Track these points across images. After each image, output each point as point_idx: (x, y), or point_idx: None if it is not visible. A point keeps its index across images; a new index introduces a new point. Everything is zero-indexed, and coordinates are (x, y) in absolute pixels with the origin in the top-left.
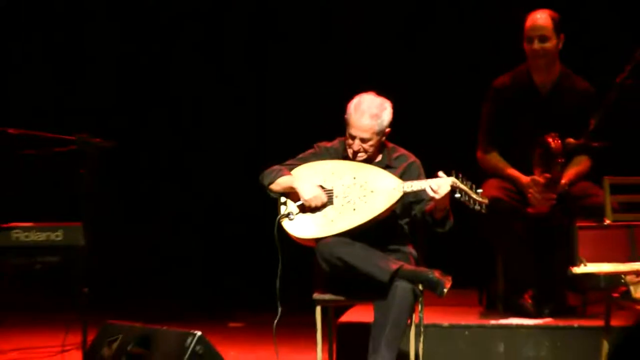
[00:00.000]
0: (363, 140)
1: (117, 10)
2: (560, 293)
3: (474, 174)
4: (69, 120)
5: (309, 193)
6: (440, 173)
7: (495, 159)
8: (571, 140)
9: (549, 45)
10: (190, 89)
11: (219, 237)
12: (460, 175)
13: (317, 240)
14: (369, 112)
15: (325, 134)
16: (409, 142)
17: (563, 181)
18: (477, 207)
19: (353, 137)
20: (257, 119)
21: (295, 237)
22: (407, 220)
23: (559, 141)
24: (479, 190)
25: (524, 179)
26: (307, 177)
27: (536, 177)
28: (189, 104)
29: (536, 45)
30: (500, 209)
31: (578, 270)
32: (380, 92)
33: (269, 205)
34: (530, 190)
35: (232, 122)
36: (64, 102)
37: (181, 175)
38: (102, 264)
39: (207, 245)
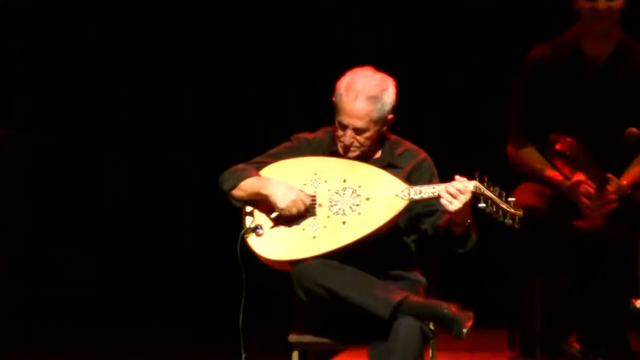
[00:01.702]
0: (357, 131)
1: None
2: (618, 334)
3: (505, 177)
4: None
5: (284, 200)
6: (459, 177)
7: (531, 156)
8: (634, 129)
9: (617, 3)
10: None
11: (167, 258)
12: (486, 179)
13: (294, 262)
14: (365, 92)
15: (307, 123)
16: (417, 136)
17: (624, 182)
18: (508, 220)
19: (344, 127)
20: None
21: (264, 258)
22: (414, 237)
23: (567, 141)
24: (511, 199)
25: (564, 182)
26: (281, 179)
27: (583, 180)
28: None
29: (602, 3)
30: (539, 223)
31: None
32: (381, 69)
33: (232, 216)
34: (583, 197)
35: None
36: None
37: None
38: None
39: (152, 268)
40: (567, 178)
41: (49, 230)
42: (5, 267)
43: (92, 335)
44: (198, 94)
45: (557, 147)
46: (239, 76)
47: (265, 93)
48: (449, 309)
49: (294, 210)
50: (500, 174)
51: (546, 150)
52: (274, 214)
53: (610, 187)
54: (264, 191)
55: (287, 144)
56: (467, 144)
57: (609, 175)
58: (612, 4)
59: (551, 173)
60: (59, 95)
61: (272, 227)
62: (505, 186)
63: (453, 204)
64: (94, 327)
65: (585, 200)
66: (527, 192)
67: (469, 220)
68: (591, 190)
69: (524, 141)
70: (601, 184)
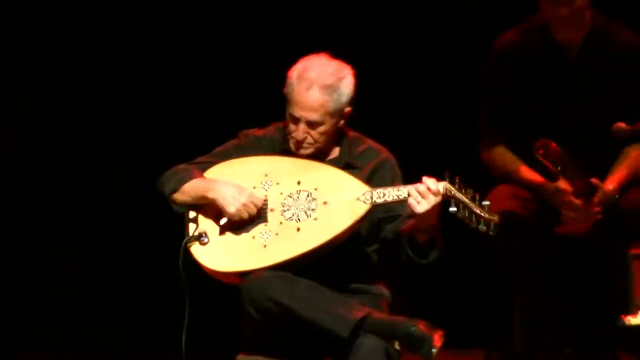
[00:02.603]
0: (311, 125)
1: None
2: (608, 353)
3: (479, 179)
4: None
5: (234, 203)
6: (426, 178)
7: (504, 155)
8: (622, 124)
9: (578, 3)
10: None
11: (167, 258)
12: (458, 180)
13: (243, 274)
14: (320, 81)
15: (256, 119)
16: (379, 133)
17: (610, 186)
18: (482, 227)
19: (296, 120)
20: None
21: (210, 269)
22: (375, 246)
23: (553, 148)
24: (485, 203)
25: (546, 184)
26: (228, 181)
27: (568, 191)
28: None
29: (562, 8)
30: (517, 229)
31: (634, 320)
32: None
33: (173, 222)
34: (566, 210)
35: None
36: None
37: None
38: None
39: (152, 268)
40: (551, 179)
41: (49, 230)
42: (6, 267)
43: (92, 335)
44: (198, 94)
45: (541, 152)
46: (238, 76)
47: (266, 93)
48: (417, 326)
49: (245, 215)
50: (473, 175)
51: (527, 154)
52: (222, 220)
53: (597, 198)
54: (210, 194)
55: (234, 142)
56: (437, 141)
57: (595, 181)
58: None
59: (528, 174)
60: (59, 95)
61: (219, 234)
62: (479, 188)
63: (421, 204)
64: (94, 327)
65: (569, 213)
66: (503, 195)
67: (435, 227)
68: (576, 202)
69: (495, 139)
70: (587, 196)
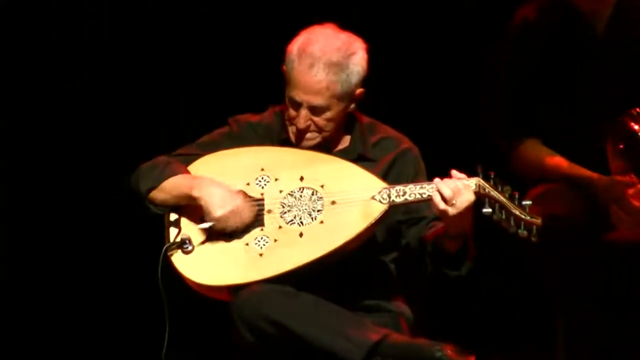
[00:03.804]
0: (314, 110)
1: None
2: None
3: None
4: None
5: (222, 206)
6: (456, 172)
7: (537, 149)
8: None
9: None
10: None
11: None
12: (493, 176)
13: (234, 289)
14: (325, 58)
15: (250, 102)
16: (398, 120)
17: None
18: (522, 231)
19: (297, 105)
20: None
21: (194, 282)
22: (394, 255)
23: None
24: (526, 202)
25: (599, 178)
26: (216, 177)
27: (619, 178)
28: None
29: None
30: (564, 235)
31: None
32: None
33: (151, 226)
34: (624, 195)
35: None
36: None
37: None
38: None
39: (151, 268)
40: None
41: (49, 230)
42: (5, 267)
43: (92, 335)
44: (197, 93)
45: (621, 147)
46: (238, 77)
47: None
48: (443, 350)
49: (232, 223)
50: (509, 170)
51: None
52: (207, 224)
53: None
54: (195, 193)
55: (223, 130)
56: (464, 131)
57: None
58: None
59: (574, 167)
60: (59, 95)
61: (205, 241)
62: (518, 186)
63: (450, 205)
64: (93, 327)
65: (623, 215)
66: (546, 194)
67: (468, 232)
68: (636, 204)
69: (523, 131)
70: None
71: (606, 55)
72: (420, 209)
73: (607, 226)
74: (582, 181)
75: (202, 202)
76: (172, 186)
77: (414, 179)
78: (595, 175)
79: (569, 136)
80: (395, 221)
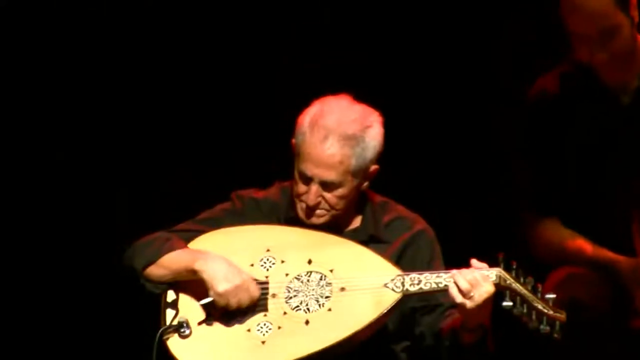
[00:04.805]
0: (326, 186)
1: None
2: None
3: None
4: None
5: (226, 281)
6: (476, 262)
7: (556, 229)
8: None
9: (619, 42)
10: None
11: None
12: (515, 266)
13: None
14: (340, 131)
15: (254, 178)
16: (409, 198)
17: None
18: (544, 327)
19: (307, 180)
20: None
21: None
22: (405, 344)
23: None
24: (550, 296)
25: (624, 261)
26: (219, 254)
27: None
28: None
29: (599, 54)
30: (590, 329)
31: None
32: (362, 99)
33: (145, 304)
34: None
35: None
36: None
37: None
38: None
39: None
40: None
41: (49, 230)
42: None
43: (91, 335)
44: (198, 97)
45: None
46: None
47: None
48: None
49: (235, 302)
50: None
51: (583, 225)
52: (208, 299)
53: None
54: (198, 266)
55: (225, 206)
56: (481, 209)
57: None
58: (613, 42)
59: (597, 249)
60: (59, 95)
61: (203, 322)
62: (539, 274)
63: (468, 298)
64: (92, 327)
65: None
66: (567, 280)
67: (486, 325)
68: None
69: (542, 210)
70: None
71: (632, 129)
72: (436, 296)
73: (633, 313)
74: (607, 264)
75: (205, 275)
76: (171, 260)
77: (429, 264)
78: (621, 258)
79: (591, 215)
80: (409, 308)
